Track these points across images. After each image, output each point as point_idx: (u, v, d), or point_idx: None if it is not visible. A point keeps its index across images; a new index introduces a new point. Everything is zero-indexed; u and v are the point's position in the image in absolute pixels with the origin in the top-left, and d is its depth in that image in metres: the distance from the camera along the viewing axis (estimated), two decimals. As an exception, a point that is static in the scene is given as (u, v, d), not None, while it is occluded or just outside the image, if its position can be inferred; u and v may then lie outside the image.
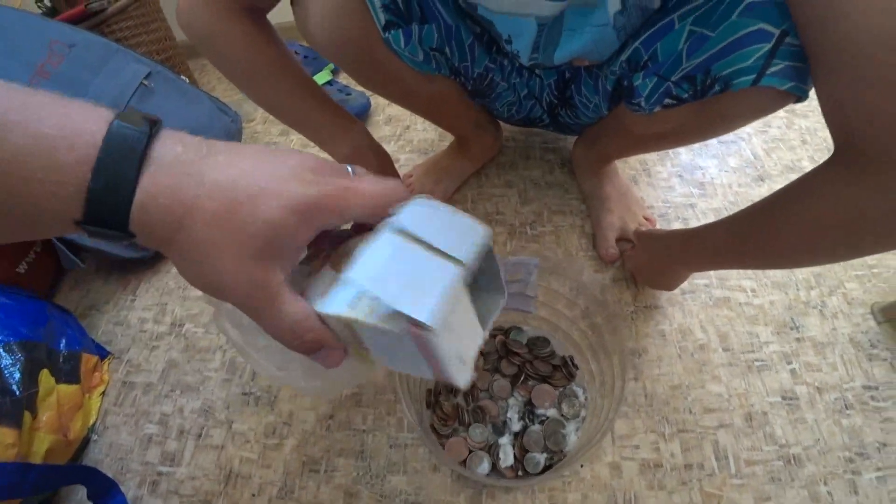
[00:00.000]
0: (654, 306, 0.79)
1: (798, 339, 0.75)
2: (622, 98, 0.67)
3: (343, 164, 0.32)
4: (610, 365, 0.63)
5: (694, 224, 0.83)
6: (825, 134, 1.02)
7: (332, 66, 1.27)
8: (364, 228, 0.33)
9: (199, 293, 0.26)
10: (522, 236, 0.90)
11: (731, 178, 0.96)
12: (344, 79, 1.28)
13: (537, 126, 0.96)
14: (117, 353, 0.82)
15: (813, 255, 0.50)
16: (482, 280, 0.35)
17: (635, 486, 0.63)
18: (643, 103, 0.60)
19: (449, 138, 0.98)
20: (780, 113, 1.06)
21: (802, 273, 0.82)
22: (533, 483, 0.63)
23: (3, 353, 0.62)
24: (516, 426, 0.66)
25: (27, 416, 0.61)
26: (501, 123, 0.99)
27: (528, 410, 0.67)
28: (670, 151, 1.02)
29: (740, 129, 1.02)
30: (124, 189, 0.25)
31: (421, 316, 0.27)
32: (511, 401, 0.68)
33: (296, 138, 1.15)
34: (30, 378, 0.63)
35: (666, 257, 0.70)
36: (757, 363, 0.73)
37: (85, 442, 0.71)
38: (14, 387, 0.61)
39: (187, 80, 1.08)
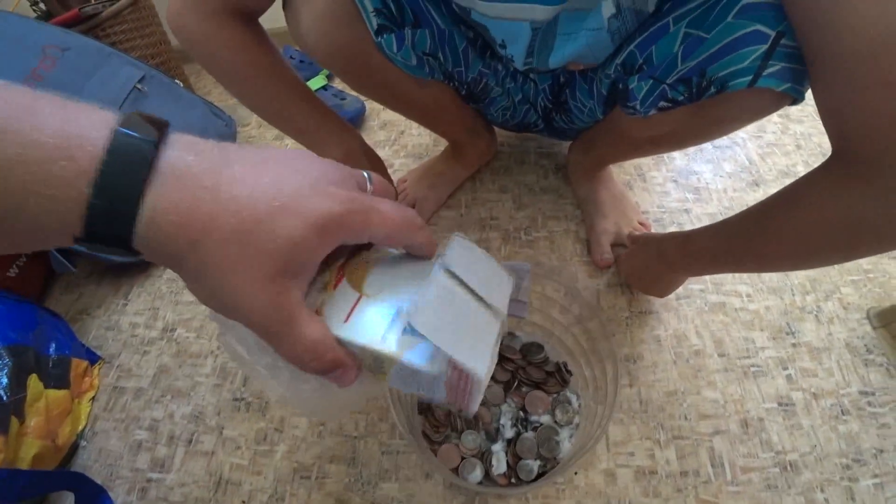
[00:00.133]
0: (649, 312, 0.79)
1: (794, 345, 0.74)
2: (617, 102, 0.66)
3: (360, 171, 0.32)
4: (604, 371, 0.63)
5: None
6: (820, 139, 1.02)
7: (326, 70, 1.27)
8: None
9: (192, 298, 0.26)
10: (517, 242, 0.90)
11: (726, 184, 0.96)
12: (339, 84, 1.28)
13: (532, 131, 0.96)
14: (108, 358, 0.81)
15: (810, 257, 0.50)
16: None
17: (630, 493, 0.62)
18: (638, 106, 0.59)
19: (443, 143, 0.98)
20: (775, 118, 1.06)
21: (798, 278, 0.82)
22: (526, 490, 0.63)
23: (-9, 358, 0.62)
24: (509, 433, 0.65)
25: (14, 421, 0.60)
26: (496, 128, 0.99)
27: (522, 417, 0.66)
28: (665, 156, 1.02)
29: (735, 134, 1.03)
30: (128, 205, 0.23)
31: (478, 371, 0.29)
32: (504, 407, 0.67)
33: (290, 143, 1.14)
34: (17, 383, 0.62)
35: (661, 261, 0.70)
36: (753, 369, 0.72)
37: (73, 448, 0.70)
38: (1, 392, 0.60)
39: (182, 85, 1.07)
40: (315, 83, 1.22)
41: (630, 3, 0.54)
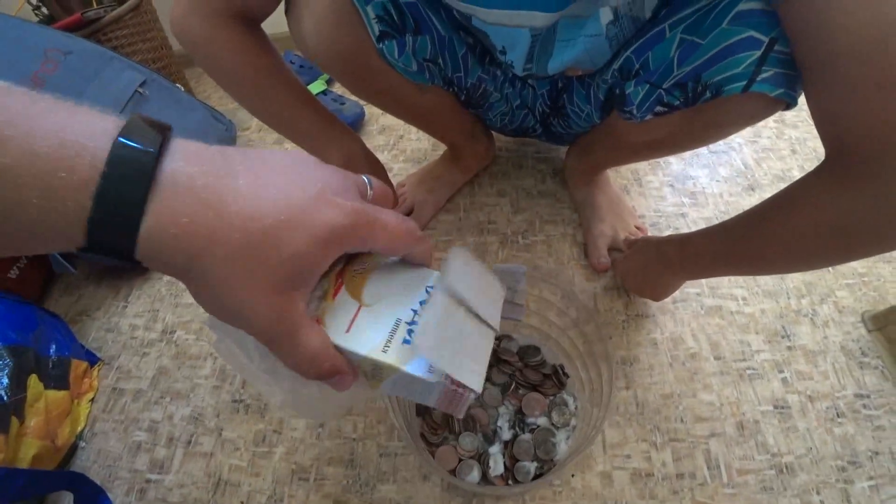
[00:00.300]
0: (645, 315, 0.79)
1: (789, 348, 0.75)
2: (614, 106, 0.67)
3: (360, 176, 0.33)
4: (600, 373, 0.63)
5: (685, 234, 0.84)
6: (815, 144, 1.03)
7: (326, 75, 1.28)
8: None
9: (192, 300, 0.26)
10: (514, 245, 0.90)
11: (722, 188, 0.97)
12: (338, 88, 1.29)
13: (530, 136, 0.96)
14: (107, 360, 0.81)
15: (807, 259, 0.51)
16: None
17: (626, 495, 0.63)
18: (635, 111, 0.60)
19: (442, 148, 0.99)
20: (770, 123, 1.07)
21: (793, 281, 0.82)
22: (523, 491, 0.63)
23: (-9, 359, 0.62)
24: (506, 435, 0.65)
25: (14, 421, 0.60)
26: (494, 133, 1.00)
27: (519, 419, 0.67)
28: (661, 161, 1.03)
29: (731, 138, 1.04)
30: (130, 220, 0.23)
31: (474, 386, 0.31)
32: (501, 409, 0.68)
33: (290, 146, 1.15)
34: (18, 383, 0.63)
35: (659, 263, 0.70)
36: (748, 372, 0.73)
37: (73, 448, 0.71)
38: (1, 392, 0.61)
39: (182, 89, 1.08)
40: (315, 88, 1.23)
41: (627, 9, 0.55)
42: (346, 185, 0.30)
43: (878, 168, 0.40)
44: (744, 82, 0.48)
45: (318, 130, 0.72)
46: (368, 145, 0.77)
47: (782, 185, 0.52)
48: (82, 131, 0.22)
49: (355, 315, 0.31)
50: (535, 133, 0.94)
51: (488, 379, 0.70)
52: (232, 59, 0.64)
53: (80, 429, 0.72)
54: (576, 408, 0.67)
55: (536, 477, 0.62)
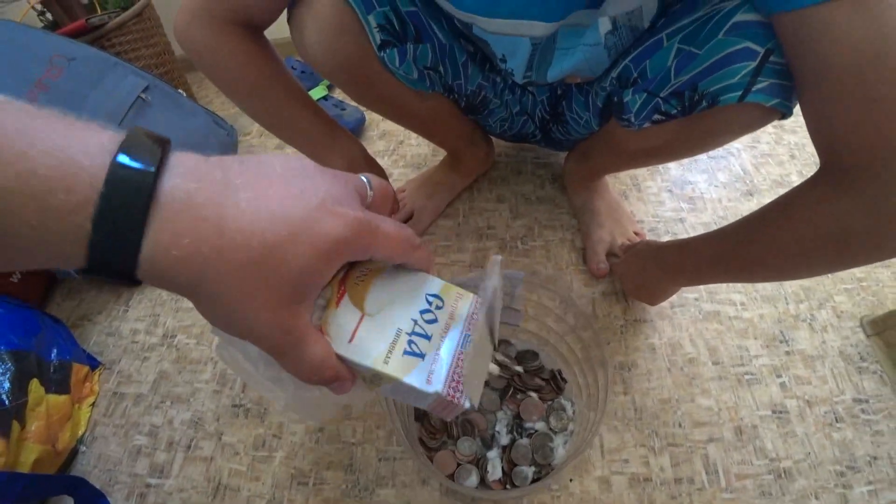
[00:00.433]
0: (643, 320, 0.79)
1: (788, 353, 0.75)
2: (612, 114, 0.68)
3: (359, 177, 0.33)
4: (597, 379, 0.63)
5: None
6: (813, 149, 1.03)
7: (327, 81, 1.29)
8: None
9: (192, 305, 0.26)
10: (513, 251, 0.91)
11: (721, 193, 0.98)
12: (339, 94, 1.29)
13: (529, 142, 0.97)
14: (108, 364, 0.82)
15: (804, 266, 0.51)
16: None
17: (624, 500, 0.63)
18: (633, 119, 0.61)
19: (442, 153, 0.99)
20: (769, 129, 1.08)
21: (792, 286, 0.83)
22: (521, 495, 0.63)
23: (-7, 363, 0.62)
24: (504, 440, 0.66)
25: (15, 425, 0.61)
26: (493, 139, 1.01)
27: (517, 424, 0.67)
28: (660, 167, 1.03)
29: (729, 144, 1.04)
30: (131, 240, 0.23)
31: (472, 401, 0.33)
32: (499, 414, 0.68)
33: (291, 151, 1.15)
34: (19, 388, 0.63)
35: (658, 267, 0.70)
36: (747, 377, 0.73)
37: (73, 453, 0.71)
38: (3, 396, 0.61)
39: (184, 94, 1.09)
40: (315, 94, 1.23)
41: (626, 19, 0.55)
42: (346, 191, 0.30)
43: (872, 178, 0.41)
44: (739, 92, 0.49)
45: (319, 135, 0.72)
46: (369, 150, 0.78)
47: (781, 191, 0.52)
48: (80, 149, 0.22)
49: (358, 325, 0.32)
50: (534, 139, 0.94)
51: (486, 383, 0.70)
52: (235, 66, 0.64)
53: (80, 433, 0.73)
54: (573, 413, 0.68)
55: (534, 481, 0.62)
